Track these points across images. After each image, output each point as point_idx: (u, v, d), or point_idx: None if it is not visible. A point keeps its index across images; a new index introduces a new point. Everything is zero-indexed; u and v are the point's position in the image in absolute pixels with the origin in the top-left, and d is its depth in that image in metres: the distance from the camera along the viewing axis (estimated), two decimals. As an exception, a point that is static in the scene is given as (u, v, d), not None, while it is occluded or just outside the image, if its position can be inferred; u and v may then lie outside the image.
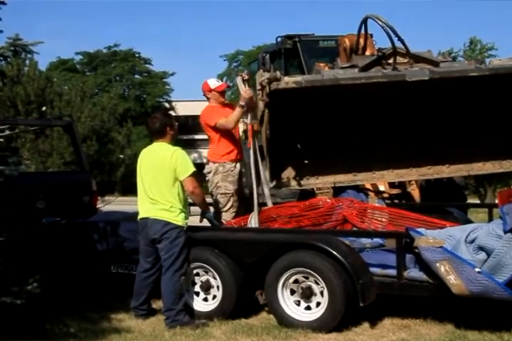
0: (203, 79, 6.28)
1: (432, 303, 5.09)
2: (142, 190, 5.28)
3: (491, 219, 6.23)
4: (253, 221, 5.75)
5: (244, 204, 6.19)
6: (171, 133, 5.32)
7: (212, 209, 5.95)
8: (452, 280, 4.32)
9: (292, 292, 4.90)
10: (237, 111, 5.92)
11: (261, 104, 5.71)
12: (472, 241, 4.53)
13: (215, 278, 5.22)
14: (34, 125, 9.60)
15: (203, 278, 5.30)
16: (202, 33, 76.97)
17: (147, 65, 46.49)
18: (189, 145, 31.15)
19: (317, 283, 4.76)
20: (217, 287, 5.21)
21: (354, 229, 5.49)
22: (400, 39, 5.63)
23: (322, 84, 5.59)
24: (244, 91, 5.90)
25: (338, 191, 6.52)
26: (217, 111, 6.13)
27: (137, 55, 45.91)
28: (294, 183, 6.40)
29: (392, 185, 7.32)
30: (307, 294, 4.80)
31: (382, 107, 6.19)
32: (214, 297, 5.25)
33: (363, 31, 6.19)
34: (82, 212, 7.01)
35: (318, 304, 4.77)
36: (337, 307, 4.64)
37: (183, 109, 40.35)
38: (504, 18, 67.85)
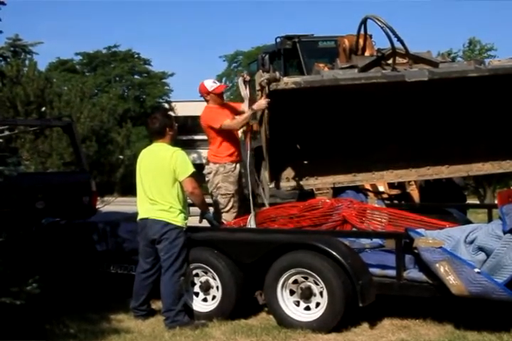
0: (202, 80, 6.24)
1: (431, 304, 5.09)
2: (142, 191, 5.28)
3: (490, 219, 6.23)
4: (252, 221, 5.75)
5: (244, 204, 6.19)
6: (170, 134, 5.32)
7: (211, 209, 5.95)
8: (452, 280, 4.32)
9: (292, 292, 4.90)
10: (247, 114, 5.88)
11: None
12: (472, 242, 4.53)
13: (214, 279, 5.22)
14: (33, 125, 9.57)
15: (203, 279, 5.30)
16: (201, 34, 76.87)
17: (146, 66, 46.43)
18: (188, 146, 31.08)
19: (316, 284, 4.76)
20: (217, 287, 5.21)
21: (353, 229, 5.49)
22: (399, 39, 5.64)
23: (321, 84, 5.59)
24: (262, 103, 5.63)
25: (337, 191, 6.52)
26: (218, 112, 6.12)
27: (137, 56, 45.86)
28: (293, 184, 6.41)
29: (391, 185, 7.32)
30: (306, 294, 4.80)
31: (382, 108, 6.20)
32: (213, 297, 5.25)
33: (362, 32, 6.20)
34: (82, 212, 7.01)
35: (317, 304, 4.78)
36: (336, 308, 4.64)
37: (182, 109, 40.26)
38: (504, 18, 67.81)
